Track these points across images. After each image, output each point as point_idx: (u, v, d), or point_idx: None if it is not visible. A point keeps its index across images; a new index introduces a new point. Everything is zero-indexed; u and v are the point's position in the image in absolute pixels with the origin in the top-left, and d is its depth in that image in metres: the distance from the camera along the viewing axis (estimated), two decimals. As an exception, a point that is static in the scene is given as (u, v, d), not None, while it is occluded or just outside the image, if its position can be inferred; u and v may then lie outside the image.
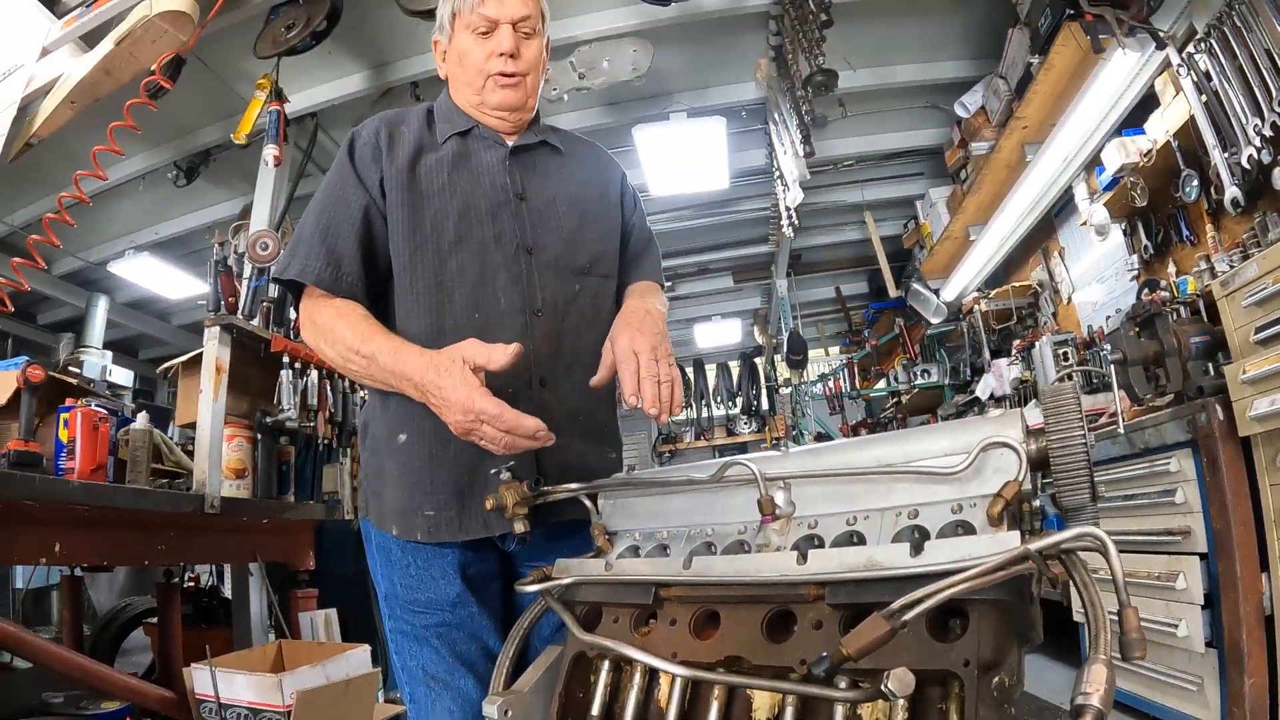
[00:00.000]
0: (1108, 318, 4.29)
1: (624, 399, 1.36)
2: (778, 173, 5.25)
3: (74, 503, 2.36)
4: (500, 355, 1.23)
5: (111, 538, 2.56)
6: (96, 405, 2.66)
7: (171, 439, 3.35)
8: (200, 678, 2.48)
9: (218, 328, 3.20)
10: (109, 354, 6.74)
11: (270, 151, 3.92)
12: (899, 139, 5.81)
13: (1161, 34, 3.33)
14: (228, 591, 3.66)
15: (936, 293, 6.48)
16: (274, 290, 3.58)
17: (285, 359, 3.46)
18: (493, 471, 1.31)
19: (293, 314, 3.62)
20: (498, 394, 1.24)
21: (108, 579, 4.41)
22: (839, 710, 0.87)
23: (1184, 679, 2.62)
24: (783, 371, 8.23)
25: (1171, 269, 3.82)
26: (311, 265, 1.42)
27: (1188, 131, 3.34)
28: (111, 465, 2.65)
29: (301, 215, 1.54)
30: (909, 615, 0.80)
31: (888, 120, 5.55)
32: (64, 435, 2.54)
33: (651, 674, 1.07)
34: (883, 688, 0.78)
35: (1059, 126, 4.09)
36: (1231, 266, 2.96)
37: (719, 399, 9.12)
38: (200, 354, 3.25)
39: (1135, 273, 4.22)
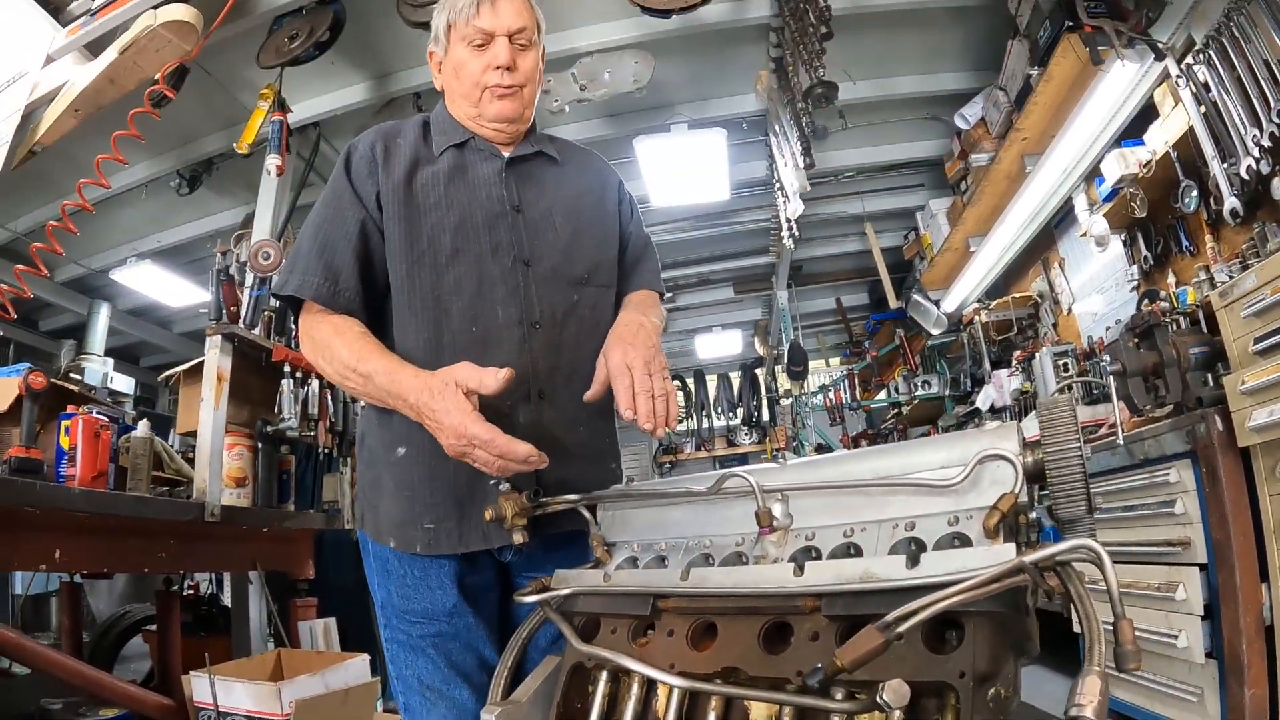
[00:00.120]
0: (1108, 328, 4.29)
1: (620, 413, 1.36)
2: (778, 184, 5.27)
3: (74, 509, 2.37)
4: (491, 380, 1.23)
5: (111, 545, 2.56)
6: (98, 412, 2.66)
7: (172, 447, 3.35)
8: (199, 686, 2.48)
9: (219, 336, 3.22)
10: (110, 361, 6.75)
11: (273, 161, 3.94)
12: (899, 150, 5.82)
13: (1160, 45, 3.33)
14: (227, 600, 3.66)
15: (937, 304, 6.48)
16: (275, 300, 3.58)
17: (286, 368, 3.47)
18: (492, 482, 1.31)
19: (294, 325, 3.63)
20: (495, 408, 1.24)
21: (107, 586, 4.40)
22: (835, 721, 0.87)
23: (1184, 690, 2.61)
24: (783, 383, 8.21)
25: (1171, 280, 3.82)
26: (309, 281, 1.42)
27: (1187, 142, 3.35)
28: (112, 473, 2.65)
29: (300, 229, 1.55)
30: (903, 627, 0.81)
31: (888, 132, 5.55)
32: (65, 442, 2.54)
33: (649, 685, 1.07)
34: (878, 699, 0.79)
35: (1059, 138, 4.11)
36: (1231, 277, 2.96)
37: (720, 410, 9.12)
38: (202, 362, 3.26)
39: (1135, 283, 4.22)
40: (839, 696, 0.87)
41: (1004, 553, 0.83)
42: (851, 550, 1.00)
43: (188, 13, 3.07)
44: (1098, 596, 0.80)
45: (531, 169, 1.61)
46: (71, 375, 5.53)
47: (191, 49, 3.19)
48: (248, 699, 2.44)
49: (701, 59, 4.66)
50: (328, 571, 3.68)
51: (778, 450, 8.20)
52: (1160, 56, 3.34)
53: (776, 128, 4.84)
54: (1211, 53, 3.06)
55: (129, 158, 4.02)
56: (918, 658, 0.85)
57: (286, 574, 3.47)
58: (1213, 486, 2.48)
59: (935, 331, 6.63)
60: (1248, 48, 2.89)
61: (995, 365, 5.76)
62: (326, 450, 3.72)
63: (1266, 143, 2.85)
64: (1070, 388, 4.07)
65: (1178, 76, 3.29)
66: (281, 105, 4.03)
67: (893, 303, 7.04)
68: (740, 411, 8.97)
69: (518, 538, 1.29)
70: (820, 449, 7.69)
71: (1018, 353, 5.37)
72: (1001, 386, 5.28)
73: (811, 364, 8.26)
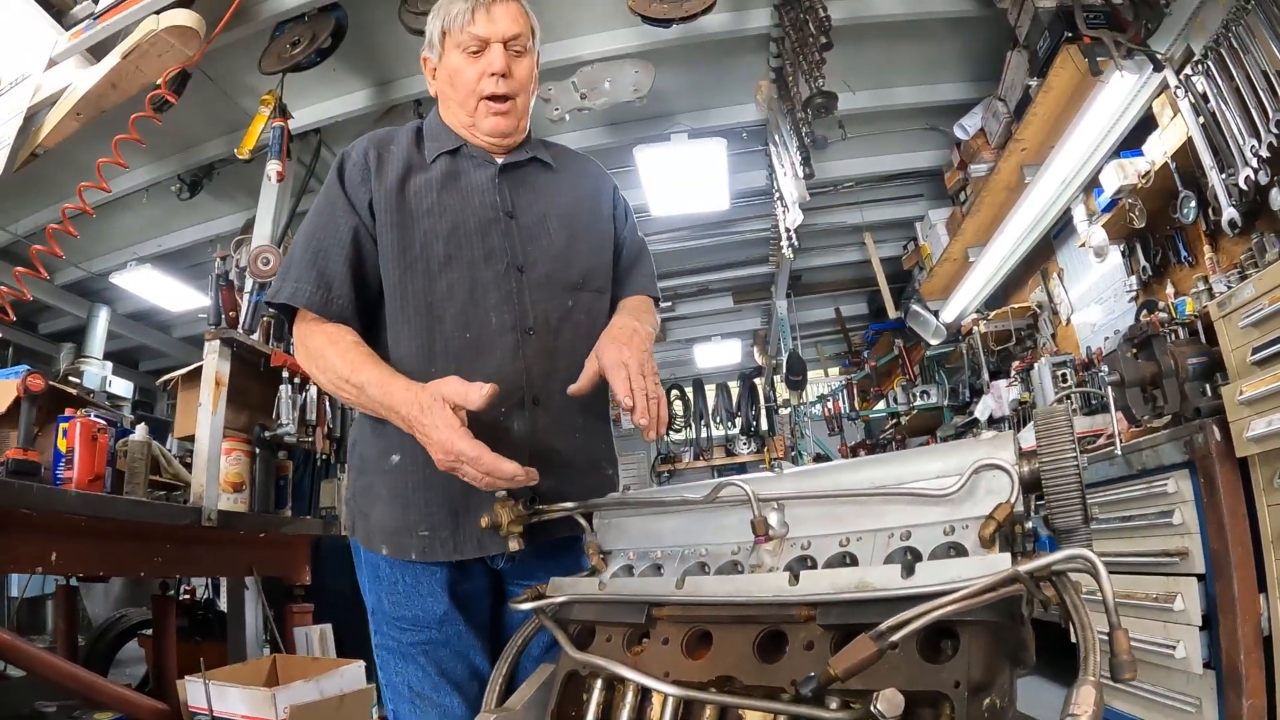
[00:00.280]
0: (1106, 339, 4.29)
1: (618, 401, 1.35)
2: (778, 194, 5.28)
3: (71, 512, 2.36)
4: (476, 396, 1.21)
5: (108, 548, 2.55)
6: (96, 416, 2.66)
7: (170, 451, 3.35)
8: (194, 690, 2.47)
9: (218, 341, 3.21)
10: (109, 365, 6.76)
11: (273, 167, 3.94)
12: (898, 161, 5.83)
13: (1159, 56, 3.35)
14: (223, 605, 3.64)
15: (936, 314, 6.49)
16: (270, 308, 3.58)
17: (284, 374, 3.47)
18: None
19: (289, 332, 3.63)
20: (490, 416, 1.24)
21: (103, 589, 4.39)
22: (829, 731, 0.87)
23: (1182, 700, 2.60)
24: (782, 392, 8.22)
25: (1170, 290, 3.83)
26: (302, 289, 1.42)
27: (1185, 153, 3.35)
28: (109, 476, 2.65)
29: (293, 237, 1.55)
30: (897, 636, 0.81)
31: (887, 142, 5.58)
32: (63, 445, 2.54)
33: (644, 693, 1.07)
34: (872, 709, 0.78)
35: (1057, 148, 4.11)
36: (1229, 287, 2.97)
37: (718, 419, 9.12)
38: (200, 367, 3.25)
39: (1134, 294, 4.23)
40: (833, 706, 0.87)
41: (999, 562, 0.83)
42: (847, 559, 1.00)
43: (190, 18, 3.08)
44: (1094, 607, 0.80)
45: (525, 175, 1.60)
46: (70, 378, 5.52)
47: (194, 54, 3.20)
48: (242, 704, 2.42)
49: (702, 69, 4.67)
50: (324, 577, 3.66)
51: (776, 459, 8.20)
52: (1159, 67, 3.36)
53: (776, 137, 4.86)
54: (1210, 64, 3.07)
55: (130, 162, 4.03)
56: (912, 667, 0.85)
57: (283, 580, 3.46)
58: (1211, 497, 2.48)
59: (934, 342, 6.63)
60: (1246, 59, 2.91)
61: (994, 375, 5.75)
62: (324, 456, 3.71)
63: (1265, 153, 2.86)
64: (1069, 397, 4.07)
65: (1176, 87, 3.31)
66: (283, 111, 4.04)
67: (892, 313, 7.05)
68: (739, 421, 8.98)
69: (513, 545, 1.29)
70: (819, 459, 7.69)
71: (1016, 363, 5.36)
72: (1000, 397, 5.28)
73: (810, 374, 8.28)
